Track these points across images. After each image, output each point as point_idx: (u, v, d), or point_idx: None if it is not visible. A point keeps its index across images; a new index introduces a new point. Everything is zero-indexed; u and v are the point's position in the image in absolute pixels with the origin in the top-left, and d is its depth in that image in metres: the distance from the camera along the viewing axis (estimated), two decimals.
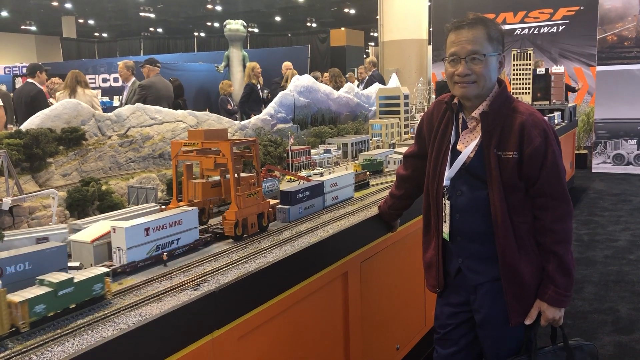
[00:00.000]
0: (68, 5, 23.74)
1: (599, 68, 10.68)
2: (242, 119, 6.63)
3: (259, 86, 9.70)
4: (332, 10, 26.46)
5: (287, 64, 10.60)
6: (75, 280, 1.64)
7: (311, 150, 3.94)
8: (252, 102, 9.44)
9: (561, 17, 12.01)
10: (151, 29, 31.96)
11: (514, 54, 8.61)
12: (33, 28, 29.69)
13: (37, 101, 7.25)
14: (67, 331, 1.54)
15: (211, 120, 3.57)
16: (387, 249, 2.99)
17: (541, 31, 12.24)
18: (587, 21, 11.50)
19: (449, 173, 2.22)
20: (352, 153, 4.44)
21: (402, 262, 3.21)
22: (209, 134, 2.44)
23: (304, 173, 3.55)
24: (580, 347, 2.27)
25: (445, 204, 2.26)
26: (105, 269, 1.77)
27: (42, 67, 7.84)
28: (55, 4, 23.42)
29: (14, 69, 19.34)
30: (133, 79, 8.09)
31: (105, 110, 5.48)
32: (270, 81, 10.87)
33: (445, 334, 2.38)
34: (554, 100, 8.78)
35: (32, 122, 2.70)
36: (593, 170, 10.75)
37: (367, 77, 10.52)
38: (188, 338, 1.73)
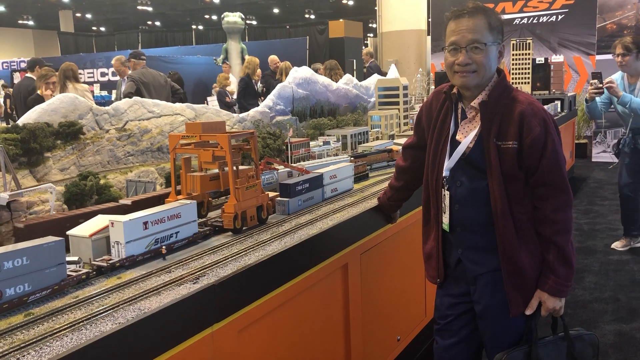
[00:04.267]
0: (65, 0, 23.64)
1: (599, 57, 10.64)
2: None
3: (254, 80, 9.66)
4: (331, 2, 26.34)
5: (273, 57, 10.55)
6: None
7: (310, 143, 3.93)
8: (248, 96, 9.40)
9: (560, 6, 11.94)
10: (149, 22, 31.83)
11: (513, 44, 8.57)
12: (30, 22, 29.56)
13: (33, 95, 7.19)
14: (66, 326, 1.53)
15: (209, 113, 3.55)
16: (387, 241, 2.98)
17: (540, 20, 12.18)
18: (586, 10, 11.44)
19: (448, 163, 2.21)
20: (351, 145, 4.43)
21: (402, 253, 3.21)
22: (207, 127, 2.43)
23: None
24: (580, 337, 2.27)
25: (444, 195, 2.25)
26: None
27: (42, 62, 7.77)
28: None
29: (12, 63, 19.30)
30: (129, 72, 8.07)
31: (104, 104, 5.45)
32: (262, 75, 10.84)
33: (446, 325, 2.37)
34: (553, 90, 8.75)
35: (29, 117, 2.68)
36: (593, 160, 10.73)
37: (365, 69, 10.50)
38: (188, 332, 1.73)
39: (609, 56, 10.39)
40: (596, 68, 10.69)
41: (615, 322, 4.03)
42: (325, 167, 3.15)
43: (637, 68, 5.05)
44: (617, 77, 5.20)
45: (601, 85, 4.86)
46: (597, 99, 5.05)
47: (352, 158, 3.64)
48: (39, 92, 6.57)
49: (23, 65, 18.29)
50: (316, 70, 7.63)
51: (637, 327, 3.94)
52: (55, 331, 1.50)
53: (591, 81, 4.94)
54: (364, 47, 17.30)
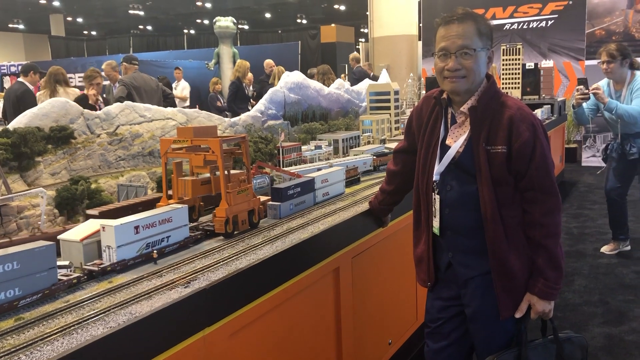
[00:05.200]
0: (56, 3, 23.57)
1: (588, 62, 10.73)
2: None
3: (244, 84, 9.68)
4: (322, 7, 26.42)
5: (268, 61, 10.59)
6: None
7: (302, 147, 3.94)
8: (238, 100, 9.41)
9: (550, 12, 12.04)
10: (141, 27, 31.77)
11: (503, 49, 8.63)
12: (21, 26, 29.44)
13: (22, 100, 7.16)
14: (57, 330, 1.53)
15: (201, 117, 3.55)
16: (378, 244, 2.99)
17: (530, 26, 12.27)
18: (575, 16, 11.54)
19: (438, 168, 2.23)
20: (343, 149, 4.44)
21: (393, 257, 3.22)
22: (199, 131, 2.44)
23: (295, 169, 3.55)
24: (570, 340, 2.29)
25: (435, 199, 2.26)
26: None
27: (37, 68, 7.75)
28: (43, 1, 23.23)
29: (1, 67, 19.20)
30: (120, 77, 8.05)
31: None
32: (257, 79, 10.88)
33: (436, 328, 2.39)
34: (543, 95, 8.82)
35: (19, 121, 2.68)
36: (583, 164, 10.80)
37: (347, 74, 10.58)
38: (179, 336, 1.73)
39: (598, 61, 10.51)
40: (585, 73, 10.80)
41: (605, 325, 4.06)
42: (351, 164, 3.65)
43: (622, 75, 5.11)
44: (603, 84, 5.26)
45: (587, 91, 4.94)
46: (584, 105, 5.12)
47: (375, 157, 3.91)
48: (85, 91, 6.75)
49: (13, 69, 18.21)
50: (312, 76, 7.66)
51: (625, 330, 3.98)
52: (46, 335, 1.50)
53: (577, 87, 5.01)
54: (357, 52, 17.34)
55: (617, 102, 4.96)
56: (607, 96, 5.06)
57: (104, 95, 7.32)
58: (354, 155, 4.11)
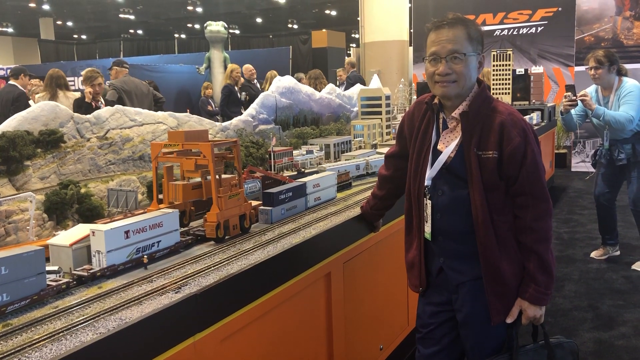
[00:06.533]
0: (46, 7, 23.42)
1: (577, 68, 10.82)
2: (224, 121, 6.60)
3: (236, 88, 9.67)
4: (314, 12, 26.47)
5: (247, 66, 10.55)
6: None
7: (293, 151, 3.93)
8: (231, 104, 9.40)
9: (540, 18, 12.15)
10: (131, 31, 31.66)
11: (493, 55, 8.69)
12: (10, 30, 29.22)
13: (18, 102, 7.12)
14: (45, 336, 1.51)
15: (192, 121, 3.54)
16: (369, 249, 2.99)
17: (520, 32, 12.38)
18: (564, 22, 11.66)
19: (430, 173, 2.23)
20: (334, 154, 4.44)
21: (385, 262, 3.22)
22: (190, 135, 2.42)
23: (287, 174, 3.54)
24: (561, 345, 2.29)
25: (426, 204, 2.26)
26: None
27: (27, 71, 7.72)
28: (32, 5, 23.08)
29: None
30: (112, 80, 7.99)
31: None
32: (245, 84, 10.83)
33: (428, 333, 2.39)
34: (533, 100, 8.88)
35: (8, 125, 2.65)
36: (572, 170, 10.88)
37: (345, 80, 10.57)
38: (169, 341, 1.71)
39: None
40: (574, 79, 10.89)
41: (595, 330, 4.08)
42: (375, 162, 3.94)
43: (609, 81, 5.14)
44: (591, 90, 5.30)
45: (575, 97, 4.98)
46: (572, 111, 5.15)
47: None
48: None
49: (2, 73, 18.07)
50: (299, 80, 7.66)
51: (615, 335, 3.99)
52: (34, 342, 1.48)
53: (565, 94, 5.04)
54: (346, 57, 17.37)
55: (604, 109, 4.99)
56: (595, 102, 5.10)
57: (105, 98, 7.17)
58: (370, 155, 4.18)
